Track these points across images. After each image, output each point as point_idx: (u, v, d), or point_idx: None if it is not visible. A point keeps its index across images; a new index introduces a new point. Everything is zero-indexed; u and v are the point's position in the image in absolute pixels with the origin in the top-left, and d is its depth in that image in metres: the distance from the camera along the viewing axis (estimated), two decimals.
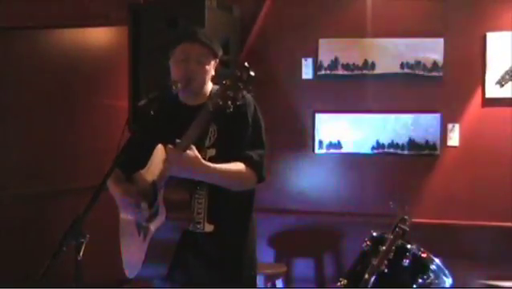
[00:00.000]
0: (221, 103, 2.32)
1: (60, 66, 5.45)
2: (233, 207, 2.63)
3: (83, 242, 2.20)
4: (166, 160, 2.45)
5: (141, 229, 2.61)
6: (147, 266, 2.56)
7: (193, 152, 2.42)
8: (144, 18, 4.43)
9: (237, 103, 2.33)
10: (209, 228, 2.58)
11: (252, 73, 2.32)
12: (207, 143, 2.57)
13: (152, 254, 2.54)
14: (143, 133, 2.62)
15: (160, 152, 2.58)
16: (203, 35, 2.63)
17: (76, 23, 5.15)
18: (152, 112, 2.49)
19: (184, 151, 2.40)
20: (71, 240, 2.20)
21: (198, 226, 2.58)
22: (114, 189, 2.71)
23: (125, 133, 2.56)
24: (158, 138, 2.61)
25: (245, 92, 2.38)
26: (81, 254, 2.20)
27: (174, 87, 2.57)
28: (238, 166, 2.54)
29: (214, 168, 2.48)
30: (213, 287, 2.60)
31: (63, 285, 2.43)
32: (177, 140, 2.41)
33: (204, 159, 2.50)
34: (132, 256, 2.66)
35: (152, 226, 2.53)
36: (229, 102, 2.31)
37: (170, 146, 2.43)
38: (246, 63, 2.33)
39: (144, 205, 2.60)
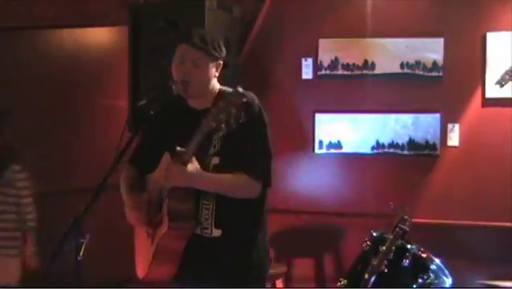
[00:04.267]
0: (214, 125, 2.33)
1: (60, 66, 5.44)
2: (241, 211, 2.61)
3: (83, 242, 2.20)
4: (166, 174, 2.45)
5: (149, 233, 2.63)
6: (155, 267, 2.57)
7: (194, 165, 2.43)
8: (144, 18, 4.43)
9: (231, 127, 2.33)
10: (216, 233, 2.58)
11: (244, 99, 2.32)
12: (211, 151, 2.56)
13: (161, 257, 2.55)
14: (150, 137, 2.62)
15: (166, 160, 2.57)
16: (199, 38, 2.56)
17: (76, 23, 5.14)
18: (151, 112, 2.48)
19: (185, 164, 2.40)
20: (71, 240, 2.20)
21: (205, 231, 2.58)
22: (125, 199, 2.71)
23: (125, 133, 2.56)
24: (166, 142, 2.59)
25: (251, 95, 2.41)
26: (81, 254, 2.20)
27: (174, 88, 2.56)
28: (241, 178, 2.52)
29: (216, 180, 2.50)
30: (220, 288, 2.59)
31: (63, 285, 2.43)
32: (178, 148, 2.41)
33: (207, 167, 2.51)
34: (142, 257, 2.69)
35: (157, 234, 2.55)
36: (223, 125, 2.32)
37: (170, 162, 2.43)
38: (240, 88, 2.34)
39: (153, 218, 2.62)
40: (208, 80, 2.61)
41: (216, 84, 2.65)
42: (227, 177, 2.52)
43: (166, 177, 2.45)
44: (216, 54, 2.59)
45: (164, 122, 2.62)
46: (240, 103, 2.32)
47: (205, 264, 2.61)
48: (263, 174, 2.58)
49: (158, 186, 2.60)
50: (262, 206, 2.68)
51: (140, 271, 2.69)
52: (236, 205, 2.57)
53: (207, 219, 2.57)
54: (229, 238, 2.59)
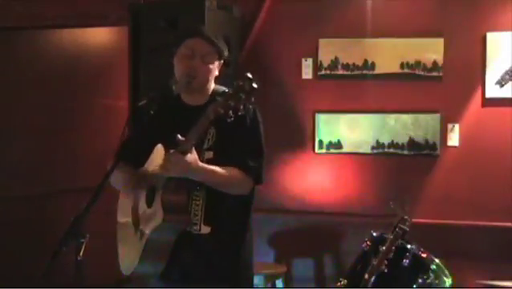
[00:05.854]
0: (222, 112, 2.32)
1: (60, 66, 5.44)
2: (231, 209, 2.62)
3: (83, 242, 2.20)
4: (166, 163, 2.44)
5: (137, 228, 2.61)
6: (143, 264, 2.55)
7: (193, 155, 2.42)
8: (144, 18, 4.44)
9: (239, 113, 2.33)
10: (205, 230, 2.57)
11: (254, 85, 2.31)
12: (205, 145, 2.57)
13: (149, 253, 2.54)
14: (143, 131, 2.62)
15: (159, 151, 2.57)
16: (209, 32, 2.64)
17: (76, 23, 5.14)
18: (152, 112, 2.49)
19: (185, 154, 2.39)
20: (71, 240, 2.20)
21: (195, 228, 2.57)
22: (120, 176, 2.65)
23: (125, 133, 2.57)
24: (158, 137, 2.60)
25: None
26: (81, 254, 2.20)
27: (175, 87, 2.56)
28: (235, 172, 2.55)
29: (212, 172, 2.50)
30: (210, 287, 2.59)
31: (63, 285, 2.43)
32: (179, 137, 2.40)
33: (201, 161, 2.50)
34: (128, 254, 2.66)
35: (149, 228, 2.52)
36: (230, 111, 2.31)
37: (171, 150, 2.41)
38: (249, 74, 2.32)
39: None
40: (211, 78, 2.65)
41: (212, 83, 2.68)
42: (223, 170, 2.53)
43: (164, 167, 2.43)
44: (223, 51, 2.64)
45: (158, 118, 2.61)
46: (250, 89, 2.31)
47: (192, 262, 2.60)
48: (256, 171, 2.60)
49: (147, 180, 2.59)
50: (250, 204, 2.71)
51: (126, 269, 2.64)
52: (226, 201, 2.59)
53: (196, 215, 2.56)
54: (219, 236, 2.59)
